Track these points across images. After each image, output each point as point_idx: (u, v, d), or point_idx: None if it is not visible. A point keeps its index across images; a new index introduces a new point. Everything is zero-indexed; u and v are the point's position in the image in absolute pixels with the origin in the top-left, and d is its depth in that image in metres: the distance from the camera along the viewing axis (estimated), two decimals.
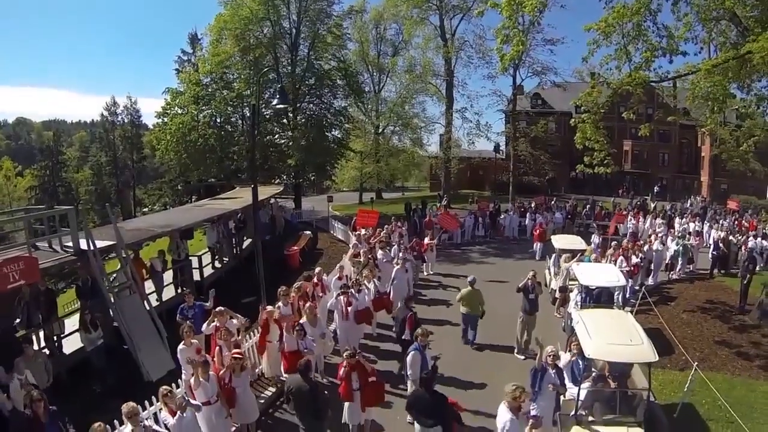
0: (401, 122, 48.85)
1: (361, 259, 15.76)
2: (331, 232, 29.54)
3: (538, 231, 25.09)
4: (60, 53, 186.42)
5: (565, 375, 9.41)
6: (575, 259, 16.74)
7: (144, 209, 63.63)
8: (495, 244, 28.72)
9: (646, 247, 20.09)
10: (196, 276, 18.77)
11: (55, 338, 12.92)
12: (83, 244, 12.33)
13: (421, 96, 49.02)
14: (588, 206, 34.68)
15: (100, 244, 12.68)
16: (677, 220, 29.79)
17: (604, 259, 18.00)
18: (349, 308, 12.01)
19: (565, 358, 10.00)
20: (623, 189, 48.42)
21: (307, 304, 11.29)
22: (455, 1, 44.01)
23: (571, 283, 16.35)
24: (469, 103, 47.20)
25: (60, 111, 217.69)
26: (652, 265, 20.26)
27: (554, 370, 8.86)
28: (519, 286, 13.52)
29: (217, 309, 10.30)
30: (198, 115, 39.74)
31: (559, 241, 19.52)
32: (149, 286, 16.21)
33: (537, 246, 24.53)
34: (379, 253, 17.32)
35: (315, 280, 13.56)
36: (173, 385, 8.52)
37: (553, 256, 19.19)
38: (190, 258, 18.49)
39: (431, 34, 45.61)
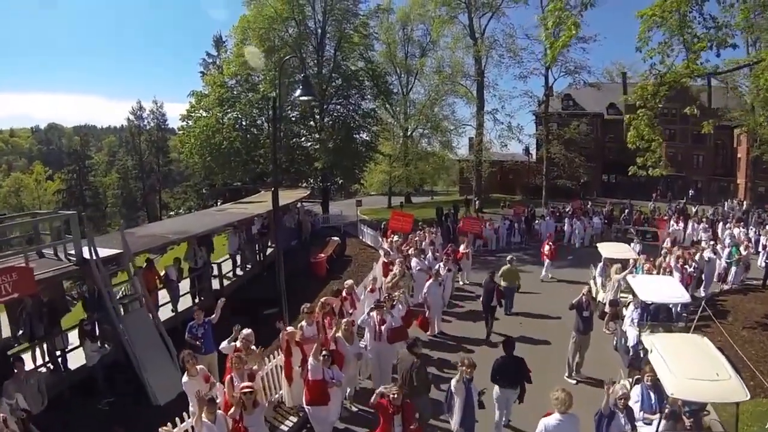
0: (430, 125, 47.85)
1: (397, 270, 14.23)
2: (360, 237, 28.26)
3: (549, 247, 21.30)
4: (91, 60, 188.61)
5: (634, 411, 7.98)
6: (628, 270, 15.19)
7: (170, 212, 63.81)
8: (531, 250, 26.97)
9: (697, 256, 18.34)
10: (216, 285, 17.63)
11: (58, 353, 11.91)
12: (87, 253, 11.19)
13: (450, 97, 48.06)
14: (626, 211, 33.01)
15: (105, 252, 11.53)
16: (720, 225, 27.91)
17: (655, 269, 16.38)
18: (383, 327, 10.44)
19: (635, 392, 8.48)
20: (657, 192, 46.38)
21: (344, 320, 9.97)
22: None
23: (622, 295, 15.22)
24: (500, 105, 45.91)
25: (91, 116, 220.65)
26: (704, 276, 18.47)
27: (624, 412, 7.51)
28: (573, 303, 11.90)
29: (244, 332, 9.01)
30: (223, 117, 39.00)
31: (606, 249, 18.02)
32: (164, 296, 15.15)
33: (546, 264, 21.31)
34: (413, 262, 15.97)
35: (344, 293, 12.10)
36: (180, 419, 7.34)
37: (599, 265, 17.74)
38: (210, 266, 17.33)
39: (460, 34, 44.62)
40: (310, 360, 8.40)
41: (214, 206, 34.47)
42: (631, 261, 16.69)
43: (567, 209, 32.91)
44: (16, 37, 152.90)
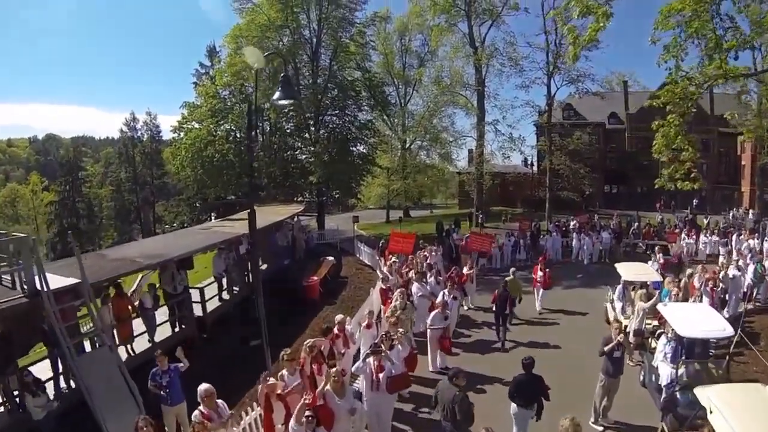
0: (429, 136, 46.86)
1: (398, 303, 12.60)
2: (357, 255, 26.87)
3: (543, 273, 18.04)
4: (89, 71, 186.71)
5: None
6: (655, 299, 13.72)
7: (165, 226, 63.19)
8: None
9: (721, 274, 16.76)
10: (198, 311, 16.06)
11: (16, 392, 10.32)
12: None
13: (450, 108, 46.94)
14: (635, 224, 31.64)
15: (60, 282, 10.01)
16: (734, 237, 26.50)
17: (680, 291, 14.92)
18: (381, 374, 8.88)
19: None
20: (661, 203, 45.08)
21: (333, 369, 8.28)
22: (484, 5, 41.78)
23: (647, 323, 13.80)
24: (501, 115, 44.80)
25: (89, 127, 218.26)
26: (728, 295, 16.71)
27: None
28: (604, 350, 10.19)
29: (202, 389, 7.55)
30: (215, 129, 37.70)
31: (626, 270, 16.43)
32: (138, 326, 13.67)
33: (539, 294, 18.33)
34: (414, 287, 14.47)
35: (336, 330, 10.47)
36: None
37: (618, 288, 16.15)
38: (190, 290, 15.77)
39: (459, 43, 43.41)
40: (292, 423, 6.85)
41: (207, 220, 33.18)
42: (650, 284, 15.32)
43: (572, 223, 31.53)
44: (17, 47, 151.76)
